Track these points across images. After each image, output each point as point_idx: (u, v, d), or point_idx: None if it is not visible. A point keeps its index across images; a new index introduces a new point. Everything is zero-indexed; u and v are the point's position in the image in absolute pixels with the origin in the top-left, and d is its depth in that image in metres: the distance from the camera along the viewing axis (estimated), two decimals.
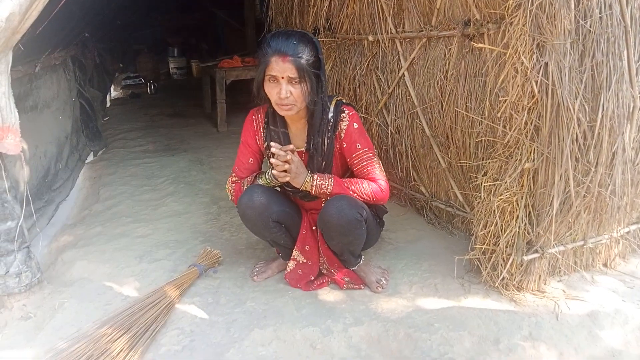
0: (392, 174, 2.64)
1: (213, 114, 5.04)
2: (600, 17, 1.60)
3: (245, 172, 1.89)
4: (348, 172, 1.90)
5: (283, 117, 1.79)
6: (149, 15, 8.67)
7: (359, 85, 2.78)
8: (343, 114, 1.77)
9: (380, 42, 2.53)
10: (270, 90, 1.65)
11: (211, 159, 3.72)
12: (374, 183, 1.76)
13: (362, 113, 2.79)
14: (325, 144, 1.77)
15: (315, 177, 1.73)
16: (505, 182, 1.74)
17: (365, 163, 1.77)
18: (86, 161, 3.84)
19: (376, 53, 2.63)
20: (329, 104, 1.78)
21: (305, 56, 1.61)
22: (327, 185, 1.73)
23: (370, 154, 1.78)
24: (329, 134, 1.77)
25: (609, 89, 1.63)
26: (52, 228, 2.66)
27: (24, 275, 1.93)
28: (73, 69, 3.77)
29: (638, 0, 1.74)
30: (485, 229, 1.83)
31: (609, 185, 1.74)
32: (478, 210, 1.86)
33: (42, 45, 2.66)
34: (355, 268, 1.92)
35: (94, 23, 4.22)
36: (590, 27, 1.57)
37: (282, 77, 1.61)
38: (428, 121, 2.34)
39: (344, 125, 1.77)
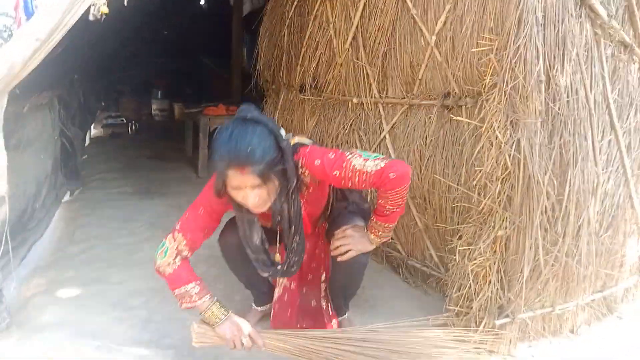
0: None
1: (194, 159, 5.07)
2: (568, 101, 1.75)
3: (192, 243, 1.65)
4: (329, 200, 1.83)
5: None
6: (135, 57, 8.80)
7: (341, 144, 2.88)
8: (301, 168, 1.58)
9: (364, 104, 2.66)
10: (235, 194, 1.49)
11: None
12: (390, 185, 1.53)
13: None
14: (292, 208, 1.62)
15: (373, 237, 1.69)
16: (479, 248, 1.82)
17: (357, 177, 1.53)
18: (62, 200, 3.79)
19: (359, 114, 2.75)
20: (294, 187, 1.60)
21: (267, 158, 1.41)
22: (386, 231, 1.69)
23: (349, 169, 1.52)
24: (294, 196, 1.60)
25: (576, 166, 1.76)
26: (24, 269, 2.61)
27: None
28: (58, 109, 3.80)
29: (601, 87, 1.91)
30: (459, 291, 1.89)
31: (575, 255, 1.84)
32: (453, 273, 1.93)
33: (32, 86, 2.69)
34: (342, 318, 1.95)
35: (83, 65, 4.29)
36: (559, 109, 1.71)
37: (245, 187, 1.44)
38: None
39: (307, 175, 1.61)
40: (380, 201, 1.60)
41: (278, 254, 1.74)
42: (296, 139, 1.66)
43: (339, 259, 1.69)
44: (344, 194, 1.89)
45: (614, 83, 1.98)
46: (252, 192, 1.44)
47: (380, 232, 1.68)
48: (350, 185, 1.56)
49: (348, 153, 1.57)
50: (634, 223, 2.15)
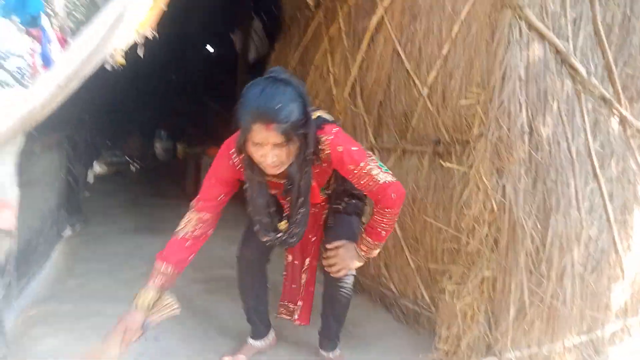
0: (365, 271, 2.78)
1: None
2: (550, 151, 1.87)
3: (208, 208, 1.71)
4: (332, 178, 1.85)
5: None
6: (142, 99, 9.07)
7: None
8: (322, 144, 1.60)
9: None
10: (254, 151, 1.50)
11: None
12: (388, 203, 1.65)
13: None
14: (303, 183, 1.64)
15: (362, 253, 1.77)
16: (467, 288, 1.89)
17: (366, 179, 1.62)
18: (64, 235, 3.86)
19: None
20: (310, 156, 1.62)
21: (293, 118, 1.43)
22: (376, 248, 1.76)
23: (365, 170, 1.61)
24: (307, 168, 1.61)
25: (558, 211, 1.86)
26: (23, 301, 2.64)
27: None
28: (67, 148, 3.93)
29: (583, 138, 2.04)
30: (448, 330, 1.95)
31: (560, 296, 1.91)
32: (442, 312, 2.00)
33: (44, 126, 2.83)
34: (334, 354, 2.02)
35: (93, 106, 4.46)
36: (541, 158, 1.83)
37: (267, 144, 1.46)
38: (400, 224, 2.53)
39: (325, 153, 1.62)
40: (376, 217, 1.69)
41: (284, 223, 1.74)
42: (319, 113, 1.69)
43: (331, 274, 1.80)
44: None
45: (595, 134, 2.11)
46: (272, 151, 1.46)
47: (369, 249, 1.76)
48: (355, 181, 1.64)
49: (368, 154, 1.65)
50: (618, 268, 2.23)
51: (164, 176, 6.95)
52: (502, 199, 1.81)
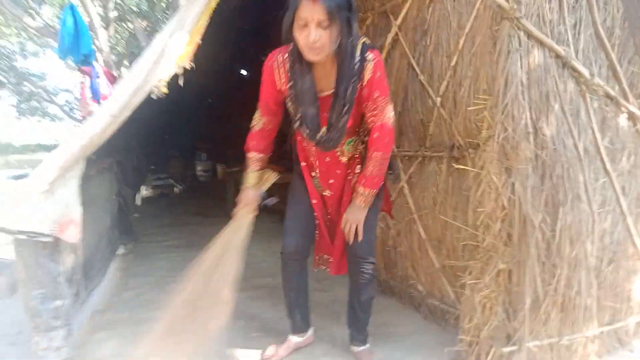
0: (394, 273, 2.93)
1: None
2: (555, 149, 1.99)
3: (269, 114, 2.00)
4: (361, 117, 1.95)
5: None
6: (182, 123, 9.56)
7: None
8: (367, 62, 1.76)
9: None
10: (299, 34, 1.64)
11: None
12: (382, 143, 1.86)
13: None
14: (350, 89, 1.77)
15: (362, 205, 1.94)
16: (485, 281, 2.02)
17: (377, 111, 1.83)
18: (117, 253, 4.20)
19: None
20: (356, 47, 1.75)
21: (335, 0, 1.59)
22: (371, 196, 1.94)
23: (384, 102, 1.82)
24: (354, 78, 1.76)
25: (566, 205, 1.98)
26: (86, 310, 2.95)
27: (63, 350, 2.21)
28: (117, 172, 4.29)
29: (590, 135, 2.15)
30: (469, 322, 2.08)
31: (574, 287, 2.02)
32: (463, 306, 2.13)
33: (99, 152, 3.16)
34: (361, 349, 2.17)
35: (139, 132, 4.83)
36: (546, 156, 1.96)
37: (312, 20, 1.58)
38: (424, 226, 2.68)
39: (368, 72, 1.76)
40: (369, 167, 1.89)
41: (324, 129, 1.88)
42: (364, 39, 1.81)
43: (352, 239, 1.99)
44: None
45: (604, 131, 2.21)
46: (315, 30, 1.59)
47: (367, 199, 1.94)
48: (369, 109, 1.83)
49: (388, 104, 1.87)
50: (637, 260, 2.30)
51: (205, 196, 7.30)
52: (512, 196, 1.95)
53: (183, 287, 2.07)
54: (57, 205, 2.07)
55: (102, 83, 5.25)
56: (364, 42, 1.78)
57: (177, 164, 8.60)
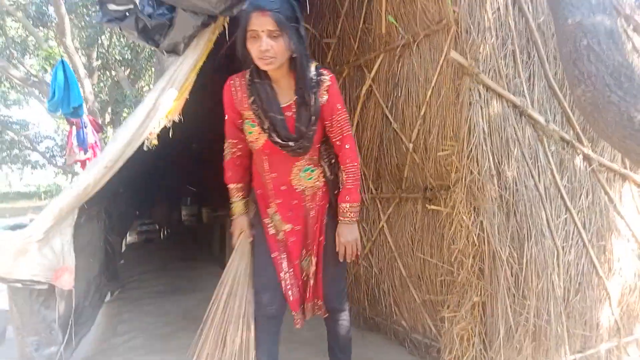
0: (378, 310, 3.05)
1: (220, 258, 5.53)
2: (517, 189, 2.19)
3: (235, 137, 2.00)
4: (322, 132, 1.97)
5: (267, 73, 1.84)
6: (167, 168, 9.66)
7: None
8: (323, 75, 1.86)
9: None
10: (252, 45, 1.72)
11: None
12: (352, 155, 1.95)
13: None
14: (313, 98, 1.84)
15: (353, 220, 1.96)
16: (461, 313, 2.16)
17: (342, 125, 1.91)
18: (105, 300, 4.23)
19: (361, 209, 3.21)
20: (309, 57, 1.85)
21: (284, 11, 1.69)
22: (357, 209, 1.97)
23: (346, 116, 1.94)
24: (314, 89, 1.83)
25: (530, 240, 2.15)
26: (76, 358, 2.99)
27: None
28: (104, 218, 4.37)
29: (549, 176, 2.36)
30: (450, 354, 2.20)
31: (543, 316, 2.16)
32: (443, 338, 2.26)
33: (89, 200, 3.27)
34: None
35: (126, 180, 4.94)
36: (509, 196, 2.15)
37: (262, 31, 1.68)
38: (403, 264, 2.83)
39: (326, 84, 1.86)
40: (348, 180, 1.95)
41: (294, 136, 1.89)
42: (315, 63, 1.91)
43: (351, 259, 2.02)
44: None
45: (563, 172, 2.42)
46: (266, 39, 1.68)
47: (355, 212, 1.97)
48: (334, 125, 1.90)
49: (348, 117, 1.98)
50: (602, 289, 2.47)
51: (191, 240, 7.35)
52: (481, 233, 2.12)
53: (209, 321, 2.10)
54: (52, 253, 2.18)
55: (89, 132, 5.40)
56: (316, 65, 1.89)
57: (162, 209, 8.65)
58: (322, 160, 2.01)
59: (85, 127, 5.08)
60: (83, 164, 5.37)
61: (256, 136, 1.90)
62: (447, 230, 2.39)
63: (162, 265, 5.74)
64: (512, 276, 2.12)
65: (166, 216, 8.68)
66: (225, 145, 2.06)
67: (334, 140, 1.96)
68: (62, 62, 4.21)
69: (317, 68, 1.87)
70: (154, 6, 2.06)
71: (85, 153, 5.19)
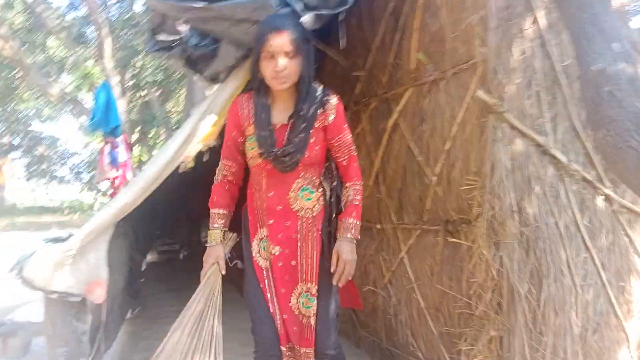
0: (394, 340, 3.07)
1: (238, 280, 5.58)
2: (537, 226, 2.23)
3: (231, 158, 2.00)
4: (324, 152, 1.97)
5: (268, 91, 1.88)
6: (187, 189, 9.84)
7: (367, 263, 3.38)
8: (330, 96, 1.92)
9: (385, 230, 3.20)
10: (266, 66, 1.76)
11: (233, 320, 4.15)
12: (357, 173, 1.99)
13: (370, 286, 3.34)
14: (311, 111, 1.85)
15: (353, 239, 1.91)
16: (479, 347, 2.19)
17: (347, 145, 1.96)
18: (125, 317, 4.32)
19: (383, 238, 3.28)
20: (313, 78, 1.89)
21: (299, 32, 1.76)
22: (358, 229, 1.93)
23: (350, 138, 1.98)
24: (316, 105, 1.86)
25: (549, 277, 2.18)
26: None
27: None
28: (130, 237, 4.50)
29: (570, 214, 2.39)
30: None
31: (560, 354, 2.17)
32: None
33: None
34: None
35: (153, 200, 5.09)
36: (529, 232, 2.19)
37: (279, 52, 1.72)
38: (422, 295, 2.86)
39: (333, 104, 1.91)
40: (353, 196, 1.95)
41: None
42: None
43: (342, 283, 1.91)
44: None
45: (583, 211, 2.45)
46: (283, 60, 1.72)
47: (357, 231, 1.93)
48: (339, 144, 1.93)
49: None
50: (620, 331, 2.46)
51: None
52: (501, 268, 2.16)
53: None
54: (87, 267, 2.29)
55: (120, 151, 5.61)
56: (322, 87, 1.94)
57: (182, 230, 8.78)
58: (324, 182, 1.99)
59: (118, 147, 5.29)
60: (112, 181, 5.56)
61: (257, 151, 1.89)
62: (467, 263, 2.44)
63: (181, 285, 5.82)
64: (529, 312, 2.14)
65: (186, 237, 8.80)
66: (219, 167, 2.04)
67: (340, 160, 1.98)
68: (105, 84, 4.44)
69: (323, 89, 1.93)
70: (199, 37, 2.21)
71: (116, 171, 5.39)
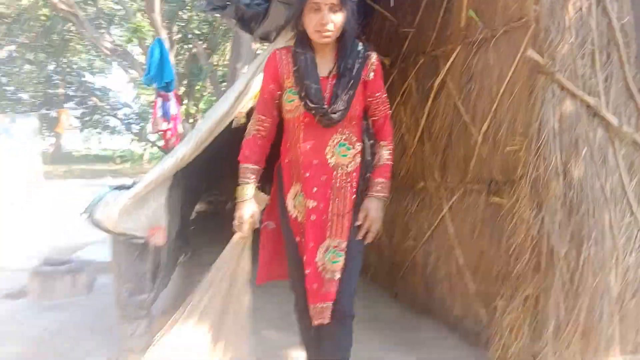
0: (431, 295, 3.19)
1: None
2: (582, 189, 2.24)
3: (265, 112, 1.96)
4: (362, 109, 1.96)
5: (310, 43, 1.87)
6: (234, 144, 10.09)
7: (409, 220, 3.46)
8: (371, 59, 1.92)
9: (428, 188, 3.26)
10: (311, 18, 1.77)
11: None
12: (389, 132, 2.00)
13: (410, 242, 3.44)
14: (355, 68, 1.86)
15: (383, 198, 1.94)
16: (514, 305, 2.26)
17: (384, 102, 1.98)
18: (179, 261, 4.64)
19: (424, 197, 3.34)
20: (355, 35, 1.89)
21: None
22: (389, 188, 1.96)
23: (385, 96, 1.99)
24: (359, 60, 1.88)
25: (590, 240, 2.21)
26: (155, 310, 3.35)
27: (145, 337, 2.59)
28: (182, 187, 4.75)
29: (617, 178, 2.38)
30: (499, 343, 2.32)
31: (595, 316, 2.22)
32: (494, 326, 2.37)
33: None
34: None
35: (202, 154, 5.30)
36: (573, 195, 2.20)
37: (325, 5, 1.73)
38: (462, 253, 2.94)
39: (373, 61, 1.92)
40: (385, 155, 1.96)
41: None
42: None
43: (370, 238, 1.94)
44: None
45: (632, 175, 2.43)
46: (328, 14, 1.73)
47: (387, 191, 1.95)
48: (375, 101, 1.94)
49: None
50: None
51: None
52: (541, 229, 2.20)
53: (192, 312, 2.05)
54: (149, 213, 2.49)
55: (172, 104, 5.81)
56: (364, 43, 1.94)
57: (229, 182, 9.07)
58: (365, 140, 1.96)
59: (169, 100, 5.48)
60: (164, 133, 5.80)
61: (296, 104, 1.86)
62: (508, 223, 2.48)
63: (227, 234, 6.11)
64: (567, 273, 2.19)
65: (232, 189, 9.10)
66: (251, 122, 2.01)
67: (376, 117, 1.98)
68: (159, 40, 4.59)
69: (364, 45, 1.92)
70: None
71: (167, 124, 5.61)
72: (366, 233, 1.93)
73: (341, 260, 1.87)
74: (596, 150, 2.32)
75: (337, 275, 1.87)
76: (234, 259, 2.07)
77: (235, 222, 2.02)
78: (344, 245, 1.89)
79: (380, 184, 1.95)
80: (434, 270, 3.22)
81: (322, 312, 1.86)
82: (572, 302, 2.20)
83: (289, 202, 1.97)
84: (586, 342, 2.27)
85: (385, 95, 2.00)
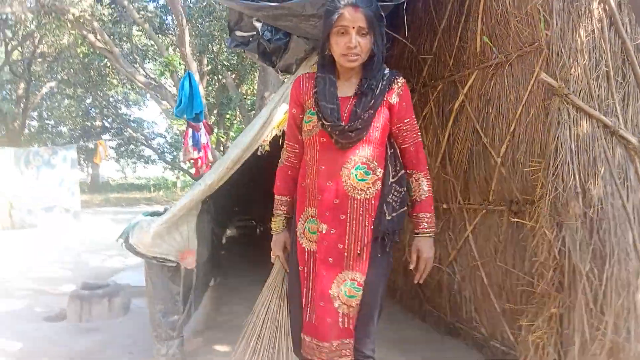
0: (458, 315, 3.19)
1: None
2: (602, 208, 2.25)
3: (294, 139, 1.96)
4: (385, 134, 1.85)
5: (334, 68, 1.83)
6: (264, 169, 10.31)
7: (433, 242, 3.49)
8: (399, 77, 1.85)
9: (452, 210, 3.30)
10: (338, 41, 1.71)
11: None
12: (424, 162, 1.91)
13: (435, 263, 3.46)
14: (378, 88, 1.78)
15: (432, 234, 1.92)
16: (539, 323, 2.27)
17: (415, 130, 1.88)
18: (210, 284, 4.77)
19: (448, 218, 3.38)
20: (383, 59, 1.84)
21: (374, 10, 1.71)
22: (434, 222, 1.92)
23: (415, 123, 1.89)
24: (384, 82, 1.80)
25: (613, 258, 2.21)
26: (186, 331, 3.47)
27: (176, 357, 2.70)
28: (212, 213, 4.92)
29: (638, 194, 2.38)
30: None
31: (622, 333, 2.21)
32: (520, 345, 2.38)
33: None
34: None
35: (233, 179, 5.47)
36: (593, 214, 2.22)
37: (353, 28, 1.67)
38: (486, 273, 2.95)
39: (399, 84, 1.84)
40: (423, 187, 1.88)
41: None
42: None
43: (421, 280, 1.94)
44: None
45: None
46: (355, 36, 1.68)
47: (434, 225, 1.92)
48: (405, 128, 1.86)
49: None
50: None
51: None
52: (563, 248, 2.22)
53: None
54: (180, 238, 2.62)
55: (202, 134, 6.03)
56: (390, 69, 1.87)
57: (258, 207, 9.27)
58: (387, 165, 1.85)
59: (200, 130, 5.71)
60: (195, 161, 6.02)
61: (314, 124, 1.82)
62: (530, 242, 2.50)
63: (258, 258, 6.23)
64: (591, 291, 2.19)
65: (262, 214, 9.28)
66: (283, 149, 2.03)
67: (406, 145, 1.88)
68: (189, 74, 4.84)
69: (391, 70, 1.86)
70: (272, 32, 2.42)
71: (198, 152, 5.83)
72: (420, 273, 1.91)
73: (359, 295, 1.78)
74: (616, 169, 2.33)
75: (353, 312, 1.78)
76: (279, 284, 2.24)
77: (272, 254, 2.10)
78: (362, 279, 1.79)
79: (427, 220, 1.89)
80: (460, 290, 3.23)
81: (346, 348, 1.77)
82: (598, 321, 2.20)
83: (299, 227, 1.91)
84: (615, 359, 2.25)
85: (415, 122, 1.91)
